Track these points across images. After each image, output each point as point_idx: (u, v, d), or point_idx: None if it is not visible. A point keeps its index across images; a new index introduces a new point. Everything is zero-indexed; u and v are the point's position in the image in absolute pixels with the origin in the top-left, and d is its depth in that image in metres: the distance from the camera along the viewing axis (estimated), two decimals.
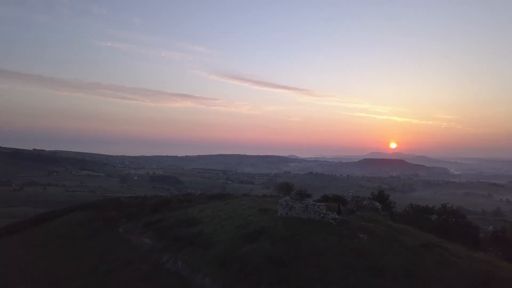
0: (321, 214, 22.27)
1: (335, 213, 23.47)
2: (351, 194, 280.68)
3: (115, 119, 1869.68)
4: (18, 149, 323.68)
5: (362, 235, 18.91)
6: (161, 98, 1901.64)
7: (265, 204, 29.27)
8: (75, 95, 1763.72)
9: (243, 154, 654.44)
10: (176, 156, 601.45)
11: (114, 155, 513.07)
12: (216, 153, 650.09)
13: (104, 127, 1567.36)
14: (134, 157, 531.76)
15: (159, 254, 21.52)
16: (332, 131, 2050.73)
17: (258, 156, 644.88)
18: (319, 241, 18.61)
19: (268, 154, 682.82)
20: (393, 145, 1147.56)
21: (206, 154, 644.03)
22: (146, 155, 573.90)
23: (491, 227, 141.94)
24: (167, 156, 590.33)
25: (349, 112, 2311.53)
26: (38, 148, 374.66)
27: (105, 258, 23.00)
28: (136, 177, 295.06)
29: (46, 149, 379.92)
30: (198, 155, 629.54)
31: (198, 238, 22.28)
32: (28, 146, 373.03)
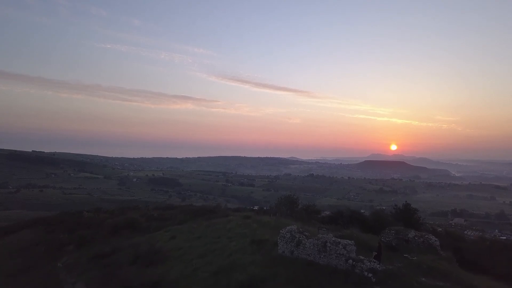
0: (350, 260, 13.94)
1: (372, 258, 14.82)
2: (352, 196, 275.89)
3: (115, 120, 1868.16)
4: (16, 150, 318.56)
5: None
6: (161, 99, 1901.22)
7: (260, 231, 21.24)
8: (75, 96, 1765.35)
9: (243, 156, 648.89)
10: (176, 158, 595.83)
11: (113, 157, 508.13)
12: (216, 155, 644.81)
13: (104, 128, 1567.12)
14: (134, 159, 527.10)
15: None
16: (332, 133, 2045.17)
17: (258, 158, 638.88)
18: None
19: (269, 156, 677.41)
20: (393, 147, 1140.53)
21: (206, 156, 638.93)
22: (146, 157, 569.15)
23: (496, 230, 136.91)
24: (167, 157, 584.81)
25: (350, 114, 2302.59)
26: (37, 150, 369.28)
27: None
28: (135, 179, 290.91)
29: (45, 151, 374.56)
30: (198, 157, 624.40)
31: None
32: (27, 147, 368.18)
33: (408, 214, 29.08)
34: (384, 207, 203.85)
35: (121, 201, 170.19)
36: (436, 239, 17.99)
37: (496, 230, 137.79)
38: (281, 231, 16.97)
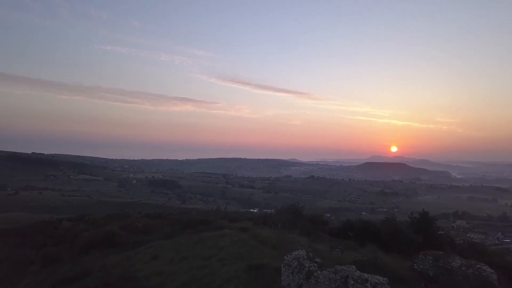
0: None
1: None
2: (353, 198, 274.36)
3: (115, 122, 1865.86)
4: (15, 152, 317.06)
5: None
6: (162, 101, 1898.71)
7: (259, 251, 17.41)
8: (75, 98, 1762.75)
9: (243, 157, 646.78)
10: (176, 159, 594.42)
11: (113, 158, 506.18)
12: (217, 157, 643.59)
13: (104, 130, 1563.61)
14: (134, 160, 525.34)
15: None
16: (332, 135, 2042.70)
17: (259, 159, 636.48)
18: None
19: (269, 157, 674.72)
20: (394, 149, 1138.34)
21: (206, 157, 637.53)
22: (146, 158, 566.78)
23: (499, 233, 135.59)
24: (167, 159, 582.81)
25: (350, 116, 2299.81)
26: (37, 151, 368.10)
27: None
28: (135, 181, 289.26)
29: (45, 153, 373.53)
30: (198, 159, 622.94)
31: None
32: (27, 149, 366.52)
33: (426, 224, 24.95)
34: (385, 209, 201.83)
35: (121, 203, 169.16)
36: (492, 271, 13.59)
37: (499, 233, 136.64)
38: (285, 257, 13.33)
